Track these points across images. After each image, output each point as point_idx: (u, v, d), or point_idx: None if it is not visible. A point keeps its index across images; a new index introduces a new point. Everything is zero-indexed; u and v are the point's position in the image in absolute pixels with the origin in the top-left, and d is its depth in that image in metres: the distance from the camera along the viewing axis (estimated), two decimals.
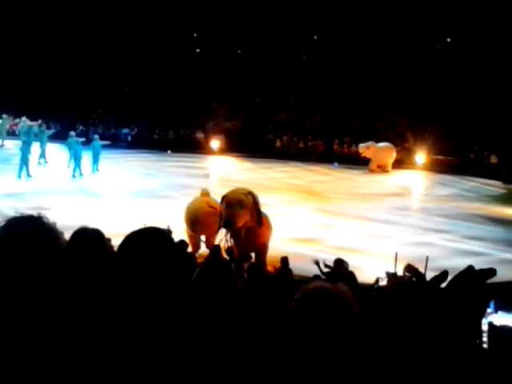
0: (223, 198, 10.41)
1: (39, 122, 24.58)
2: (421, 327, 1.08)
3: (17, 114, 27.35)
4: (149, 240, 1.83)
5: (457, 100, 26.12)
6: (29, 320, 1.71)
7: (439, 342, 1.06)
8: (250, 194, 10.53)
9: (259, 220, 10.47)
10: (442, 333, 1.06)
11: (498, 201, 18.66)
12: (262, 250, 10.84)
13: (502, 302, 6.33)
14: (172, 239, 1.93)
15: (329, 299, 1.59)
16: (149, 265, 1.76)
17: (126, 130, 30.19)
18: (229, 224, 10.23)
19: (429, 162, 24.72)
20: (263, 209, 11.37)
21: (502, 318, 6.30)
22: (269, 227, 10.93)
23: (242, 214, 10.15)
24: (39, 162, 22.21)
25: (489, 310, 5.46)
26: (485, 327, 4.17)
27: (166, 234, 1.90)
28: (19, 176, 19.05)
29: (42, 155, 22.56)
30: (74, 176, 19.89)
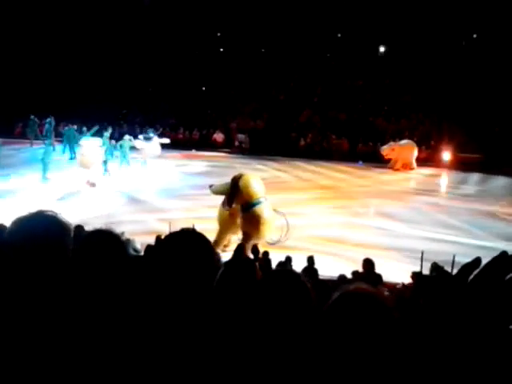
0: None
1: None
2: (449, 323, 1.05)
3: (43, 114, 27.55)
4: (189, 242, 1.77)
5: (483, 97, 25.71)
6: (37, 328, 1.67)
7: (471, 335, 1.03)
8: (238, 177, 11.38)
9: (228, 201, 11.25)
10: (474, 325, 1.03)
11: None
12: (244, 236, 11.27)
13: None
14: (209, 241, 1.86)
15: (369, 302, 1.50)
16: (190, 268, 1.72)
17: (150, 130, 30.33)
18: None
19: (454, 160, 24.35)
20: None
21: None
22: (253, 218, 11.24)
23: (218, 187, 11.77)
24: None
25: None
26: None
27: (203, 236, 1.83)
28: (44, 178, 18.87)
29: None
30: (121, 171, 20.51)
